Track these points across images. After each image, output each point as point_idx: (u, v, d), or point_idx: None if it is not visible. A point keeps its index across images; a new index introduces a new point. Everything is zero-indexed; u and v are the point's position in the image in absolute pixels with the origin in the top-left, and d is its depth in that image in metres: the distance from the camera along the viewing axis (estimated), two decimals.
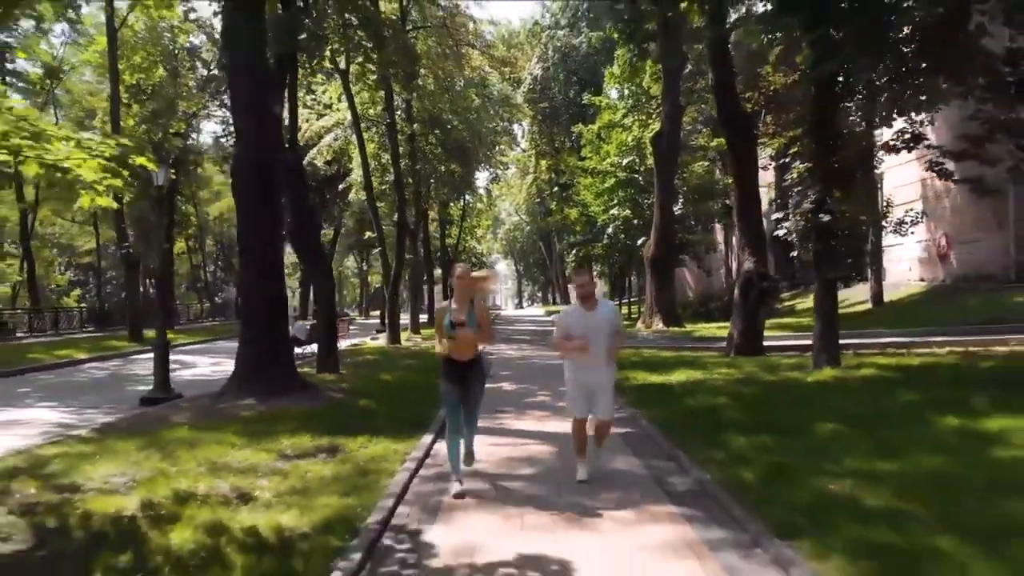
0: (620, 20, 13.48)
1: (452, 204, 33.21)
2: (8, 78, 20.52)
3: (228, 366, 14.51)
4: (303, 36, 12.22)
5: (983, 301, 16.13)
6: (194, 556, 3.71)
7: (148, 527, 4.24)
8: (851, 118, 13.19)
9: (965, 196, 17.36)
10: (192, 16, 23.23)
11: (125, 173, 4.83)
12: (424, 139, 24.49)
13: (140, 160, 4.97)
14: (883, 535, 3.81)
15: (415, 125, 23.00)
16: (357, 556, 3.65)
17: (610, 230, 26.68)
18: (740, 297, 12.96)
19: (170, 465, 5.66)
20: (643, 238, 23.76)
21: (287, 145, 12.31)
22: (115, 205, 4.99)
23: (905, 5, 8.46)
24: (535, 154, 41.53)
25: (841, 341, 11.66)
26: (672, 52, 14.64)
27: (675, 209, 23.49)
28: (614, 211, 26.25)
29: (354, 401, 9.02)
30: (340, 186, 28.42)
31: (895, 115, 10.70)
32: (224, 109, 28.87)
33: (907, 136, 12.40)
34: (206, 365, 15.70)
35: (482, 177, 35.20)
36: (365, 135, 21.65)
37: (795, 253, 11.82)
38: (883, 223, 18.61)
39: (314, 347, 14.26)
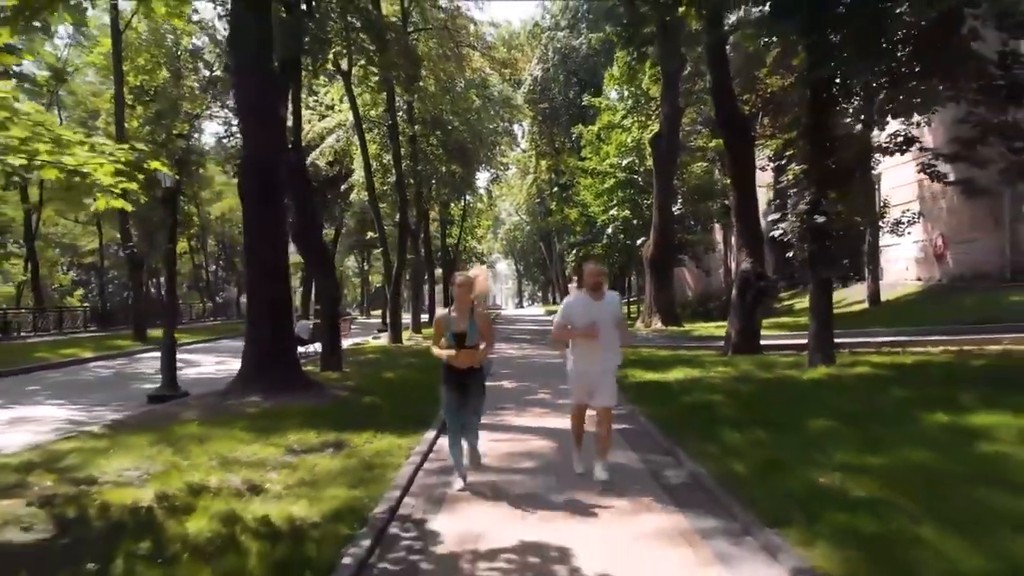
0: (619, 24, 13.65)
1: (453, 204, 33.40)
2: (15, 80, 20.66)
3: (232, 365, 14.74)
4: (307, 39, 12.41)
5: (978, 300, 16.30)
6: (211, 543, 3.89)
7: (164, 517, 4.42)
8: (847, 120, 13.38)
9: (961, 197, 17.54)
10: (195, 18, 23.42)
11: (140, 177, 5.02)
12: (425, 140, 24.69)
13: (155, 164, 5.16)
14: (868, 524, 3.98)
15: (416, 126, 23.20)
16: (366, 543, 3.83)
17: (610, 230, 26.87)
18: (737, 297, 13.14)
19: (182, 459, 5.84)
20: (642, 238, 23.94)
21: (291, 147, 12.50)
22: (130, 207, 5.16)
23: (898, 11, 8.62)
24: (535, 154, 41.72)
25: (838, 340, 11.85)
26: (670, 55, 14.82)
27: (674, 209, 23.67)
28: (614, 211, 26.44)
29: (358, 399, 9.21)
30: (342, 187, 28.59)
31: (888, 118, 10.86)
32: (226, 110, 29.07)
33: (899, 139, 12.58)
34: (210, 364, 15.88)
35: (483, 177, 35.43)
36: (367, 136, 21.84)
37: (791, 253, 11.98)
38: (880, 223, 18.79)
39: (317, 346, 14.46)
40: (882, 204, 19.21)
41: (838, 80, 10.15)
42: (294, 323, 11.72)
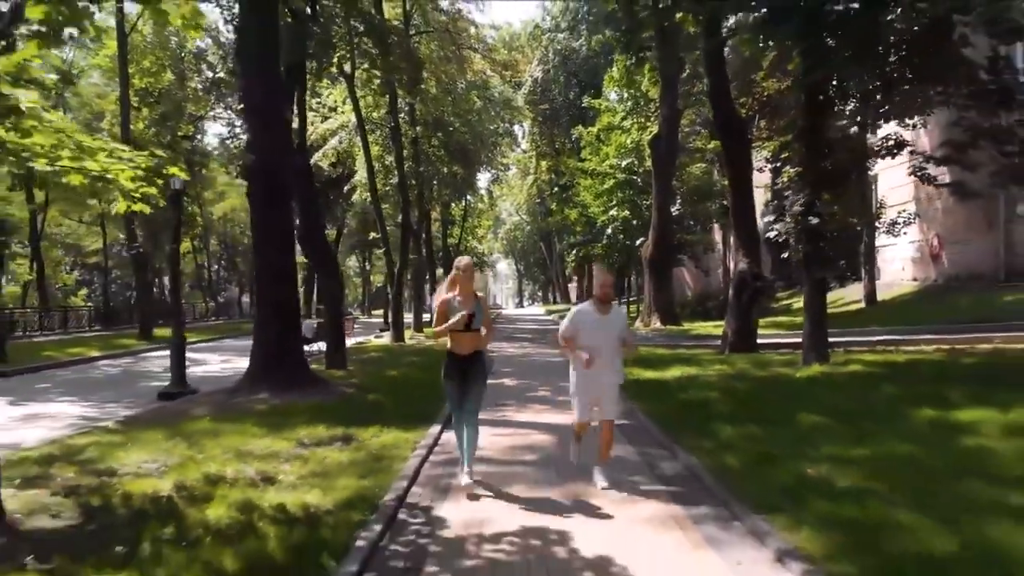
0: (618, 28, 13.89)
1: (454, 204, 33.65)
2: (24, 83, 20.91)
3: (237, 363, 14.99)
4: (312, 43, 12.65)
5: (973, 300, 16.52)
6: (231, 528, 4.13)
7: (185, 505, 4.66)
8: (843, 123, 13.63)
9: (954, 199, 17.76)
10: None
11: (160, 182, 5.26)
12: (427, 141, 24.94)
13: (173, 170, 5.40)
14: (851, 511, 4.22)
15: (418, 128, 23.46)
16: (378, 527, 4.08)
17: (609, 230, 27.12)
18: (734, 296, 13.38)
19: (197, 452, 6.08)
20: (642, 238, 24.18)
21: (295, 149, 12.73)
22: (148, 210, 5.40)
23: (890, 17, 8.86)
24: (535, 155, 41.99)
25: (834, 339, 12.08)
26: (669, 59, 15.05)
27: (673, 210, 23.90)
28: (613, 212, 26.68)
29: (363, 396, 9.45)
30: (345, 188, 28.86)
31: (881, 121, 11.10)
32: (229, 111, 29.32)
33: (891, 143, 12.82)
34: (216, 363, 16.12)
35: (483, 178, 35.68)
36: (369, 138, 22.08)
37: (786, 254, 12.22)
38: (876, 224, 19.04)
39: (320, 345, 14.69)
40: (878, 205, 19.46)
41: (835, 83, 10.39)
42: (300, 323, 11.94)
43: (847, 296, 21.63)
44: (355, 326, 24.13)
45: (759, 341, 13.73)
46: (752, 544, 3.90)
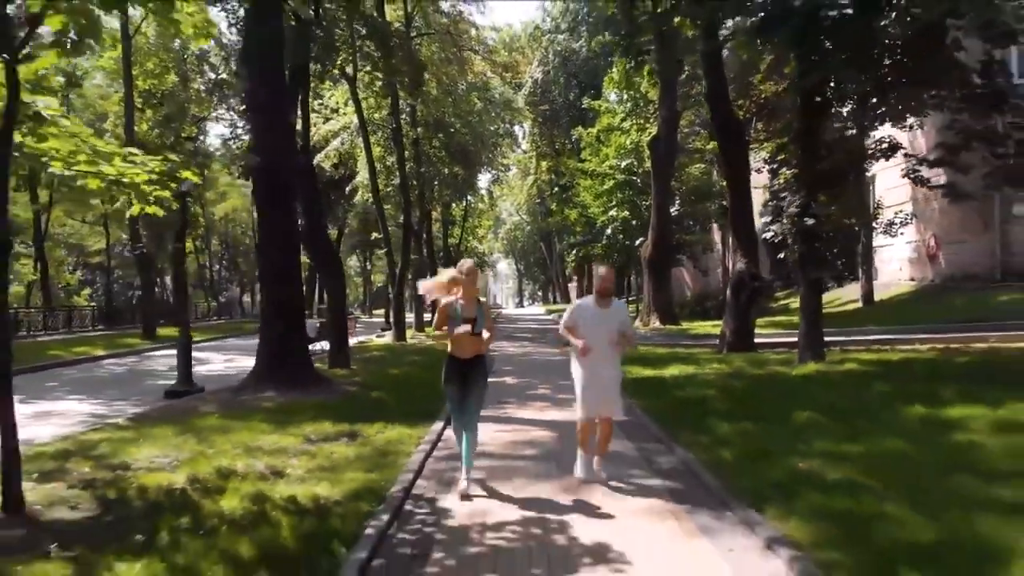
0: (617, 32, 14.07)
1: (455, 205, 33.83)
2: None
3: (241, 362, 15.17)
4: (315, 46, 12.82)
5: (969, 300, 16.69)
6: (244, 518, 4.31)
7: (199, 497, 4.84)
8: (840, 124, 13.80)
9: (948, 200, 17.93)
10: None
11: (173, 185, 5.44)
12: (428, 142, 25.12)
13: (186, 174, 5.58)
14: (839, 503, 4.39)
15: (419, 129, 23.64)
16: (385, 517, 4.26)
17: (609, 231, 27.31)
18: (732, 296, 13.55)
19: (207, 448, 6.27)
20: (641, 239, 24.35)
21: (299, 150, 12.91)
22: (162, 212, 5.58)
23: (883, 23, 9.04)
24: (536, 155, 42.17)
25: (830, 338, 12.26)
26: (668, 62, 15.23)
27: (672, 210, 24.07)
28: (613, 212, 26.86)
29: (367, 393, 9.63)
30: (347, 188, 29.06)
31: (876, 124, 11.27)
32: (232, 112, 29.50)
33: (884, 146, 13.00)
34: (219, 362, 16.30)
35: (484, 179, 35.86)
36: (371, 139, 22.27)
37: (782, 255, 12.38)
38: (874, 224, 19.22)
39: (323, 344, 14.86)
40: (875, 205, 19.64)
41: (832, 85, 10.57)
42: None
43: (844, 296, 21.80)
44: (357, 326, 24.33)
45: (757, 340, 13.90)
46: (743, 533, 4.07)
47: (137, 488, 5.10)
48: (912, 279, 20.72)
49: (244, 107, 25.11)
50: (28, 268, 30.43)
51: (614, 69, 25.71)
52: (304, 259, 17.86)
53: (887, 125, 13.62)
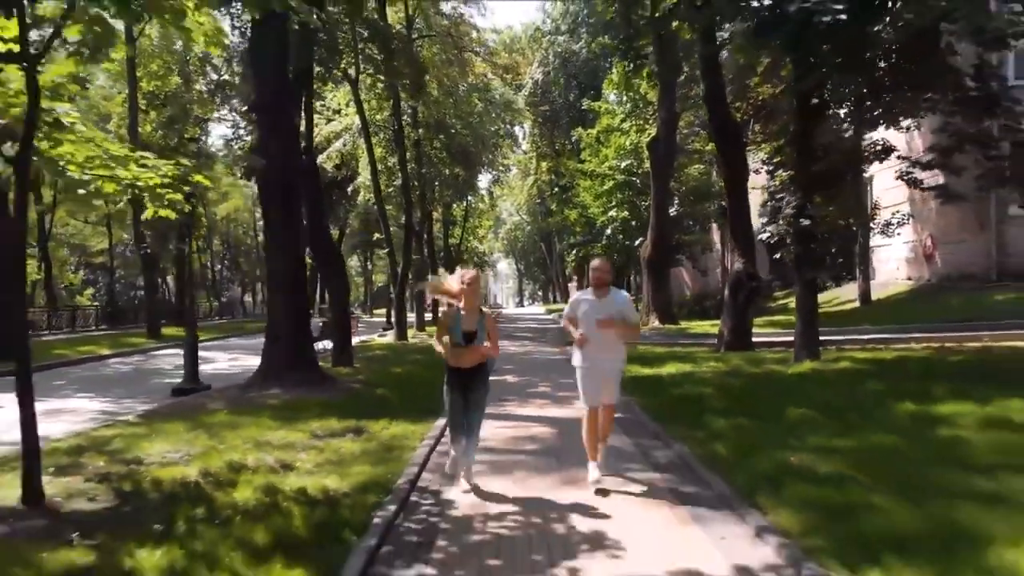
0: (616, 36, 14.25)
1: (455, 205, 34.02)
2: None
3: (245, 361, 15.36)
4: (318, 49, 13.00)
5: (965, 300, 16.87)
6: (257, 509, 4.50)
7: (212, 489, 5.02)
8: (837, 126, 13.97)
9: (944, 201, 18.11)
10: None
11: (186, 188, 5.63)
12: (429, 143, 25.32)
13: (198, 178, 5.77)
14: (828, 494, 4.57)
15: (420, 130, 23.84)
16: (392, 507, 4.46)
17: (609, 231, 27.51)
18: (730, 296, 13.74)
19: (218, 443, 6.45)
20: (641, 239, 24.54)
21: (303, 151, 13.09)
22: (174, 215, 5.77)
23: (876, 28, 9.22)
24: (536, 156, 42.39)
25: (827, 337, 12.44)
26: (666, 65, 15.41)
27: (672, 211, 24.26)
28: (613, 212, 27.07)
29: (371, 391, 9.81)
30: (349, 188, 29.26)
31: (872, 127, 11.45)
32: (234, 113, 29.70)
33: (878, 148, 13.19)
34: (224, 360, 16.48)
35: (484, 179, 36.05)
36: (373, 140, 22.46)
37: (778, 255, 12.55)
38: (871, 224, 19.42)
39: (326, 343, 15.03)
40: (873, 206, 19.83)
41: (829, 87, 10.75)
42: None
43: (842, 295, 21.99)
44: (359, 325, 24.52)
45: (755, 339, 14.08)
46: (735, 522, 4.26)
47: (152, 481, 5.28)
48: (909, 279, 20.90)
49: (246, 108, 25.33)
50: (32, 268, 30.64)
51: (614, 71, 25.91)
52: (306, 259, 18.07)
53: (884, 127, 13.78)
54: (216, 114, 30.29)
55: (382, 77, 16.72)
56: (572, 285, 55.98)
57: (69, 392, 11.61)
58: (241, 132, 31.36)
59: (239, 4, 12.10)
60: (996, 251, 18.25)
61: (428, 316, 27.12)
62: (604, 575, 3.52)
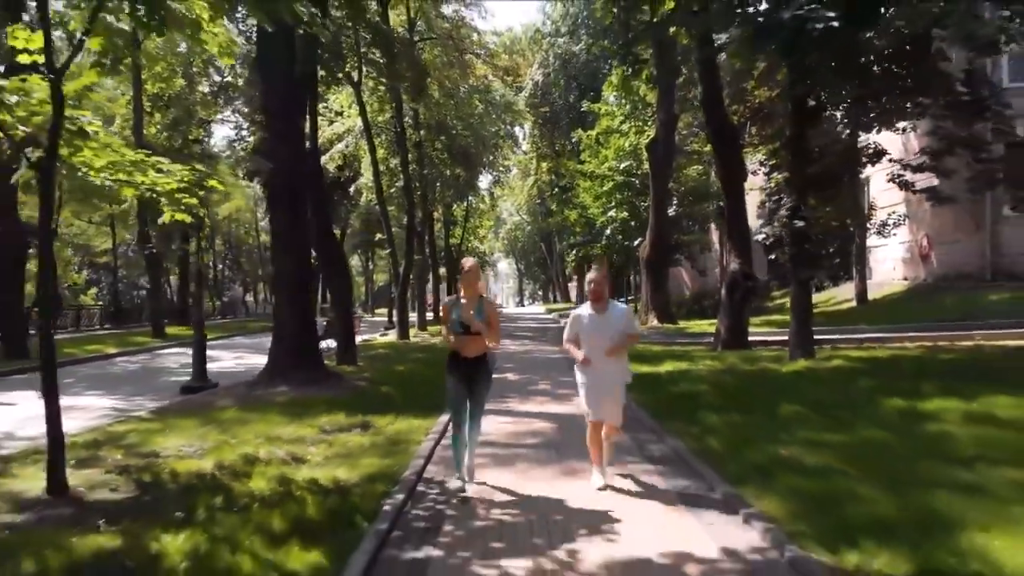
0: (615, 41, 14.48)
1: (456, 206, 34.27)
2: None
3: (250, 360, 15.60)
4: (322, 53, 13.23)
5: (960, 299, 17.12)
6: (272, 497, 4.74)
7: (228, 480, 5.27)
8: (836, 128, 14.20)
9: (938, 203, 18.34)
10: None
11: (201, 193, 5.87)
12: (430, 145, 25.56)
13: (212, 183, 6.01)
14: (814, 484, 4.82)
15: (422, 131, 24.09)
16: (400, 496, 4.71)
17: (608, 231, 27.75)
18: (727, 296, 13.98)
19: (230, 437, 6.70)
20: (640, 239, 24.76)
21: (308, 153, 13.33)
22: (189, 219, 6.01)
23: (868, 35, 9.45)
24: (536, 156, 42.62)
25: (824, 336, 12.67)
26: (665, 68, 15.64)
27: (670, 211, 24.47)
28: (612, 213, 27.29)
29: (375, 389, 10.06)
30: (351, 189, 29.51)
31: (866, 129, 11.68)
32: (237, 114, 29.97)
33: (870, 151, 13.42)
34: (229, 359, 16.72)
35: (485, 180, 36.29)
36: (375, 141, 22.70)
37: (773, 255, 12.77)
38: (868, 225, 19.67)
39: (329, 342, 15.26)
40: (869, 207, 20.07)
41: (825, 92, 10.98)
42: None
43: (839, 295, 22.25)
44: (361, 324, 24.76)
45: (751, 338, 14.32)
46: (724, 510, 4.50)
47: (169, 473, 5.53)
48: (905, 278, 21.15)
49: (248, 109, 25.58)
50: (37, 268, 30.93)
51: (613, 74, 26.12)
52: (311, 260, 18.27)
53: (877, 131, 14.03)
54: (219, 116, 30.54)
55: (384, 80, 16.94)
56: (572, 285, 56.24)
57: (79, 390, 11.84)
58: (244, 133, 31.65)
59: (244, 10, 12.32)
60: (991, 251, 18.50)
61: (429, 316, 27.36)
62: (600, 556, 3.76)
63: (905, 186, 16.17)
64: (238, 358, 16.92)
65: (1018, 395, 7.09)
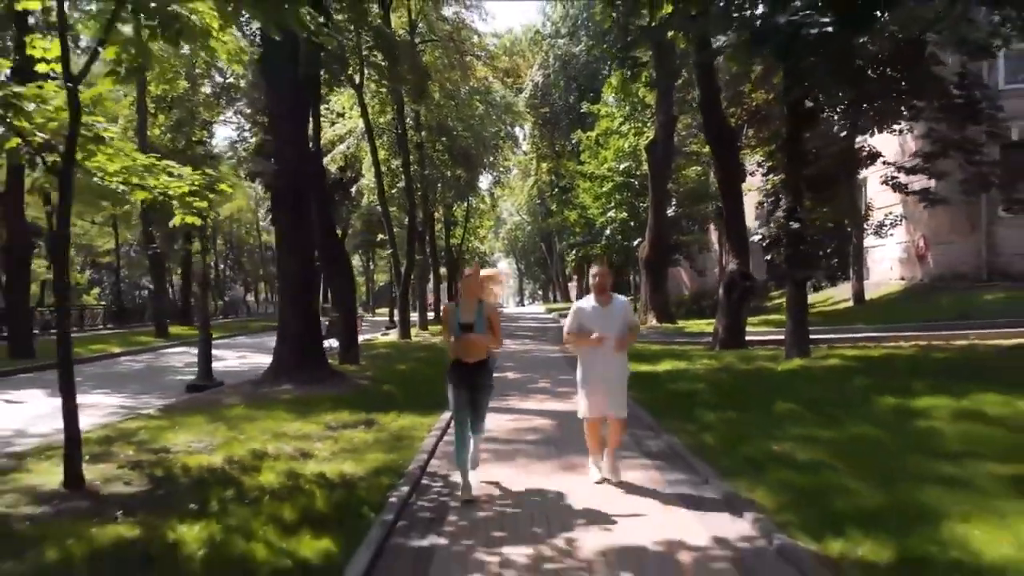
0: (613, 45, 14.65)
1: (456, 206, 34.45)
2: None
3: (254, 359, 15.80)
4: (325, 56, 13.41)
5: (955, 299, 17.27)
6: (282, 490, 4.93)
7: (238, 474, 5.45)
8: (834, 129, 14.37)
9: (936, 203, 18.52)
10: None
11: (211, 196, 6.05)
12: (431, 146, 25.74)
13: (222, 187, 6.19)
14: (804, 478, 4.99)
15: (423, 133, 24.27)
16: (406, 488, 4.89)
17: (608, 231, 27.93)
18: (724, 296, 14.15)
19: (238, 434, 6.89)
20: (639, 239, 24.93)
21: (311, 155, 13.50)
22: (199, 221, 6.19)
23: (862, 40, 9.63)
24: (536, 157, 42.81)
25: (820, 336, 12.84)
26: (664, 70, 15.81)
27: (669, 212, 24.64)
28: (611, 213, 27.47)
29: (378, 387, 10.25)
30: (352, 189, 29.69)
31: (860, 132, 11.84)
32: (239, 115, 30.15)
33: (864, 154, 13.60)
34: (233, 358, 16.89)
35: (485, 180, 36.47)
36: (376, 143, 22.87)
37: (769, 256, 12.95)
38: (865, 225, 19.84)
39: (332, 341, 15.43)
40: (866, 207, 20.25)
41: (821, 95, 11.16)
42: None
43: (837, 295, 22.40)
44: (363, 324, 24.94)
45: (748, 338, 14.49)
46: (717, 502, 4.68)
47: (181, 467, 5.71)
48: (902, 278, 21.31)
49: (250, 110, 25.76)
50: (41, 268, 31.10)
51: (613, 76, 26.30)
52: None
53: (870, 134, 14.22)
54: (221, 117, 30.72)
55: (386, 82, 17.12)
56: (572, 285, 56.44)
57: (87, 388, 11.97)
58: (246, 134, 31.82)
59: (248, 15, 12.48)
60: (986, 251, 18.68)
61: (431, 315, 27.55)
62: (597, 544, 3.94)
63: (899, 188, 16.35)
64: (241, 357, 17.10)
65: (1007, 393, 7.25)
